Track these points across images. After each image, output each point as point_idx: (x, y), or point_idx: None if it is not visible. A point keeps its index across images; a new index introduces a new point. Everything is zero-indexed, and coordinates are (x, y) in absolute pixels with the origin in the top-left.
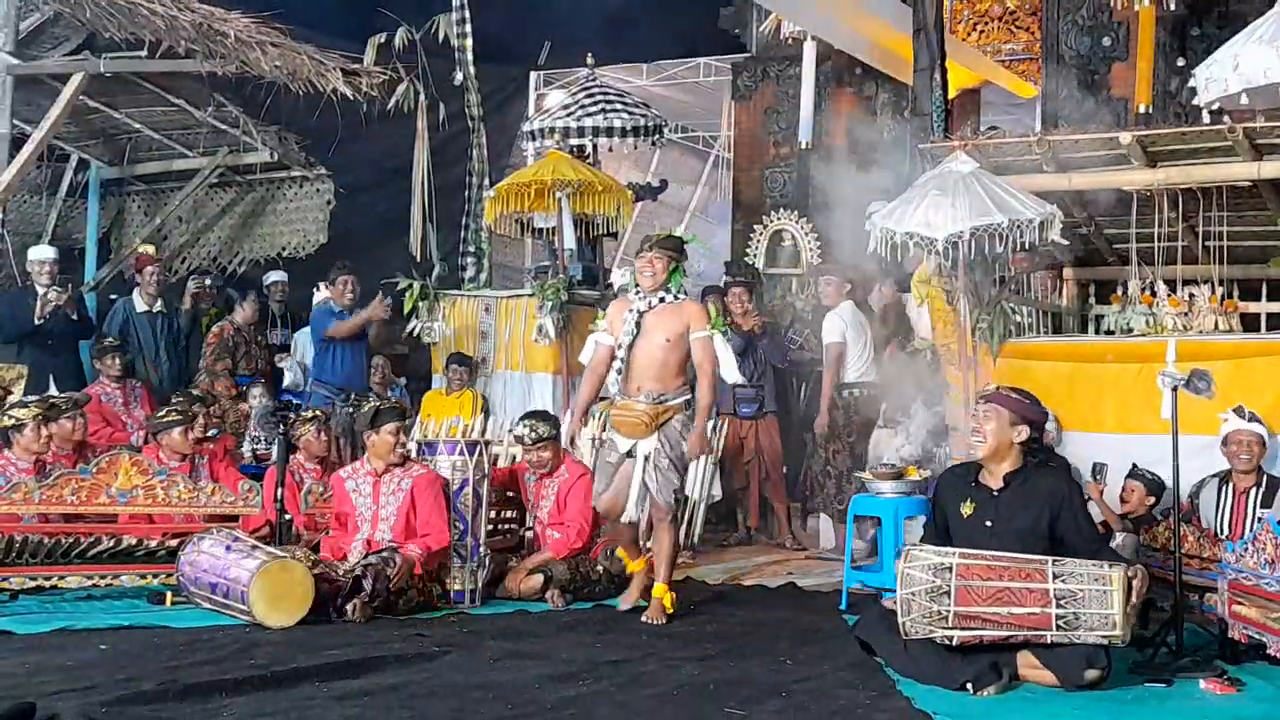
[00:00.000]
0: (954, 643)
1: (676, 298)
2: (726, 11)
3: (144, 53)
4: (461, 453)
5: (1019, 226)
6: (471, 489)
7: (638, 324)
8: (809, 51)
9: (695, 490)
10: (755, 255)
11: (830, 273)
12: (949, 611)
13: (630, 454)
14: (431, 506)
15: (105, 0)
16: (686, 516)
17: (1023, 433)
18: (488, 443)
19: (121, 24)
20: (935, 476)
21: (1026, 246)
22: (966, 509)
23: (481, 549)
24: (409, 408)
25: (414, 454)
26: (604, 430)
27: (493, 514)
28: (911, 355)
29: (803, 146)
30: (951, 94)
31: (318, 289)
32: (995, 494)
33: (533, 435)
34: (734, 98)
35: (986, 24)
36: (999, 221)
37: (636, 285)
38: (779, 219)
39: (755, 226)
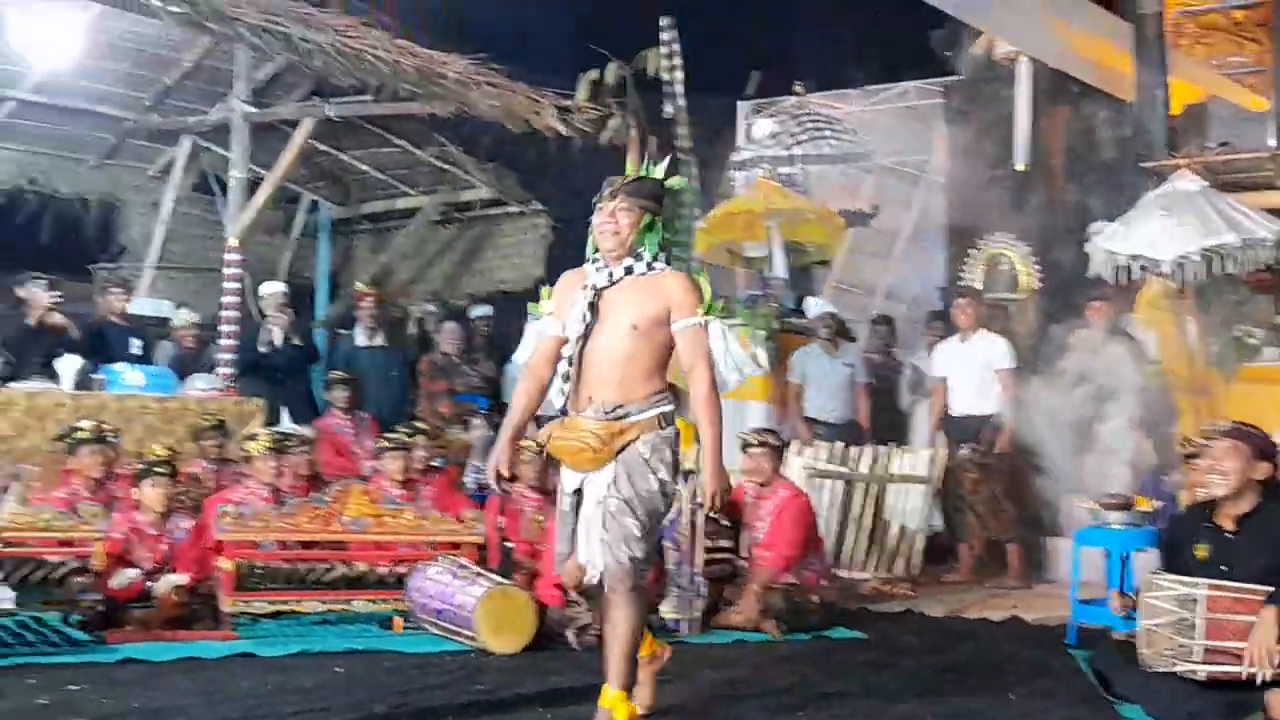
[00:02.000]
0: (1200, 678)
1: (651, 267)
2: (937, 34)
3: (369, 97)
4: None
5: (1253, 246)
6: (686, 518)
7: (593, 305)
8: (1023, 71)
9: (915, 520)
10: (971, 280)
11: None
12: (1195, 645)
13: (580, 494)
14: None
15: (333, 49)
16: (905, 547)
17: (1262, 469)
18: (700, 471)
19: (348, 70)
20: (1164, 509)
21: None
22: (1201, 552)
23: (698, 578)
24: None
25: None
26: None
27: (708, 543)
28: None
29: (1019, 168)
30: (1175, 110)
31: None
32: (1231, 535)
33: (757, 438)
34: (946, 120)
35: (1211, 36)
36: (1231, 241)
37: (595, 252)
38: (995, 243)
39: (970, 251)
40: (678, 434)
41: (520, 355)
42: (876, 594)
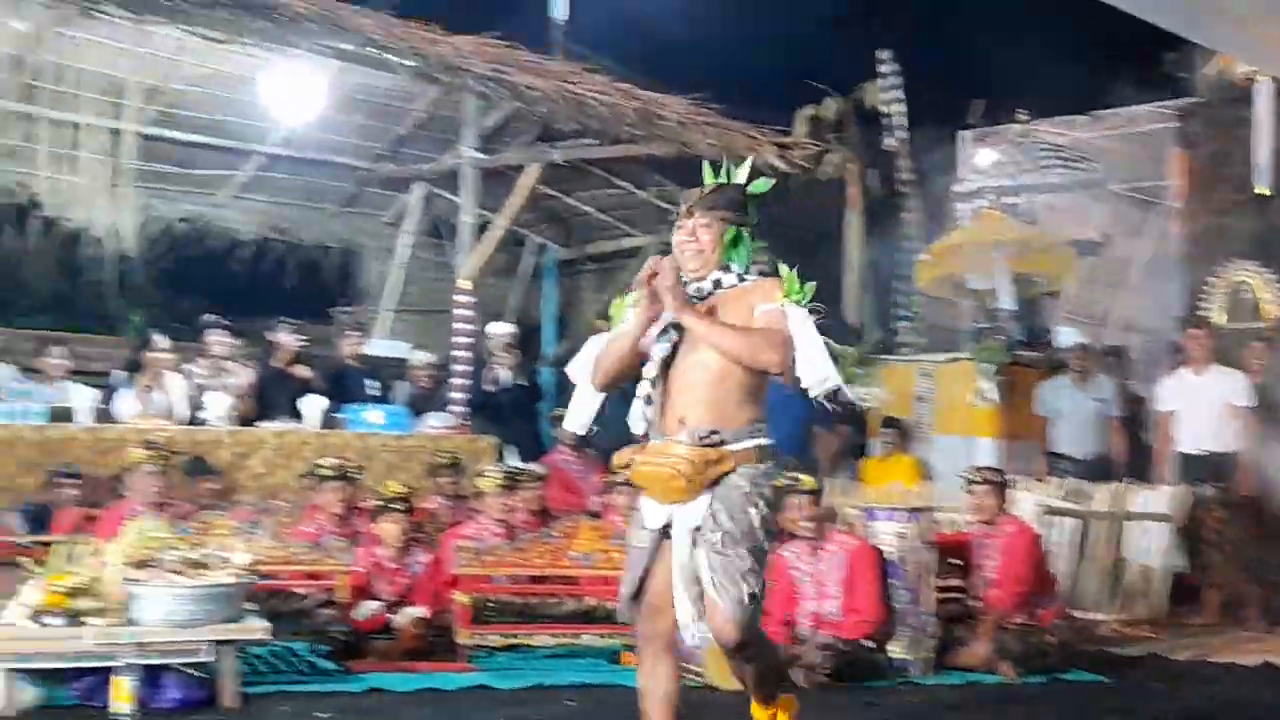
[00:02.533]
0: None
1: (743, 279)
2: (1170, 56)
3: (592, 140)
4: (903, 519)
5: None
6: (916, 556)
7: (677, 326)
8: (1263, 91)
9: (1157, 559)
10: (1210, 310)
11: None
12: None
13: (667, 531)
14: (864, 579)
15: (557, 95)
16: (1147, 587)
17: None
18: (930, 509)
19: (572, 115)
20: None
21: None
22: None
23: (928, 617)
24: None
25: (854, 520)
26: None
27: (939, 581)
28: None
29: (1260, 192)
30: None
31: None
32: None
33: (979, 475)
34: (1180, 144)
35: None
36: None
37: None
38: (1236, 270)
39: (1209, 280)
40: (777, 471)
41: (580, 366)
42: (1116, 636)
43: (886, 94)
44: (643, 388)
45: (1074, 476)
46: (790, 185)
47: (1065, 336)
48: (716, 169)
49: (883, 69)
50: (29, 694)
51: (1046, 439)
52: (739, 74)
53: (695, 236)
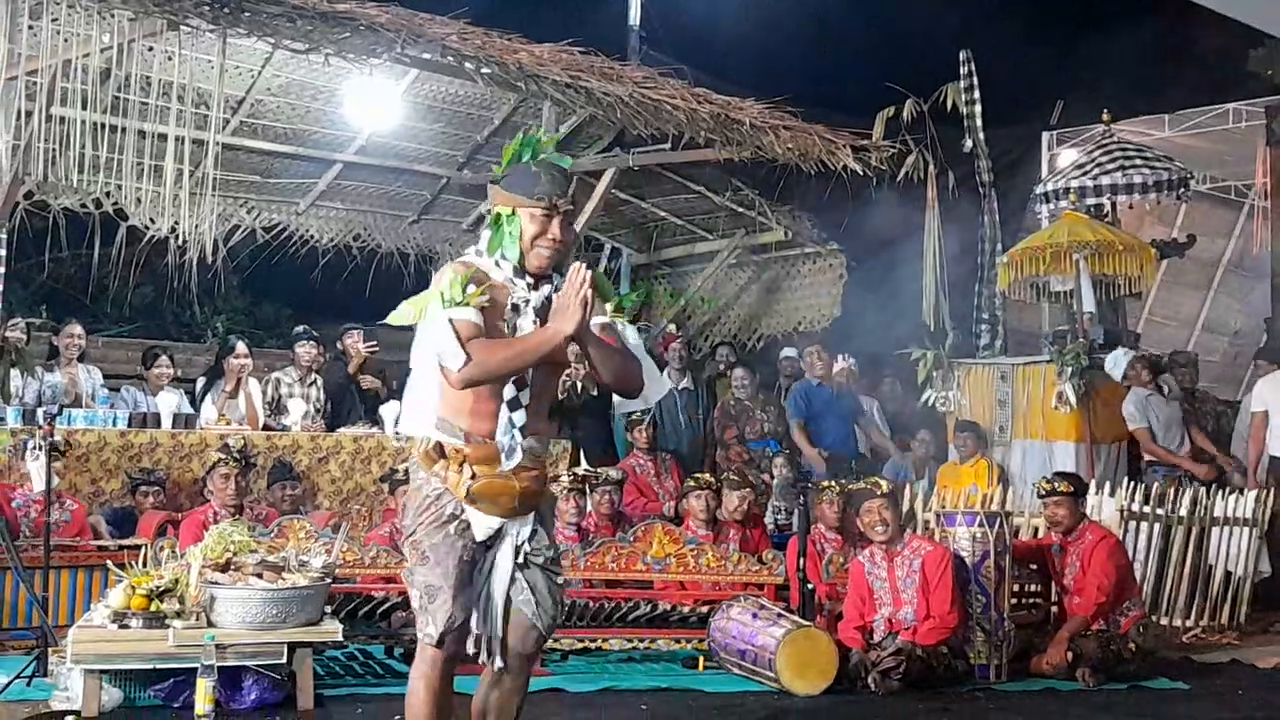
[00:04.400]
0: None
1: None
2: (1256, 53)
3: (667, 145)
4: (981, 524)
5: None
6: (993, 561)
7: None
8: None
9: (1241, 565)
10: None
11: None
12: None
13: (489, 544)
14: (939, 584)
15: (633, 101)
16: (1230, 593)
17: None
18: (1008, 514)
19: (648, 121)
20: None
21: None
22: None
23: (1005, 623)
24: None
25: (932, 524)
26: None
27: (1016, 587)
28: None
29: None
30: None
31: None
32: None
33: (1046, 486)
34: (1269, 142)
35: None
36: None
37: (516, 261)
38: None
39: None
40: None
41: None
42: (1199, 642)
43: (966, 95)
44: (510, 392)
45: (1163, 480)
46: (871, 189)
47: (1112, 361)
48: (532, 148)
49: (962, 70)
50: (112, 695)
51: (1141, 444)
52: (817, 77)
53: (560, 237)
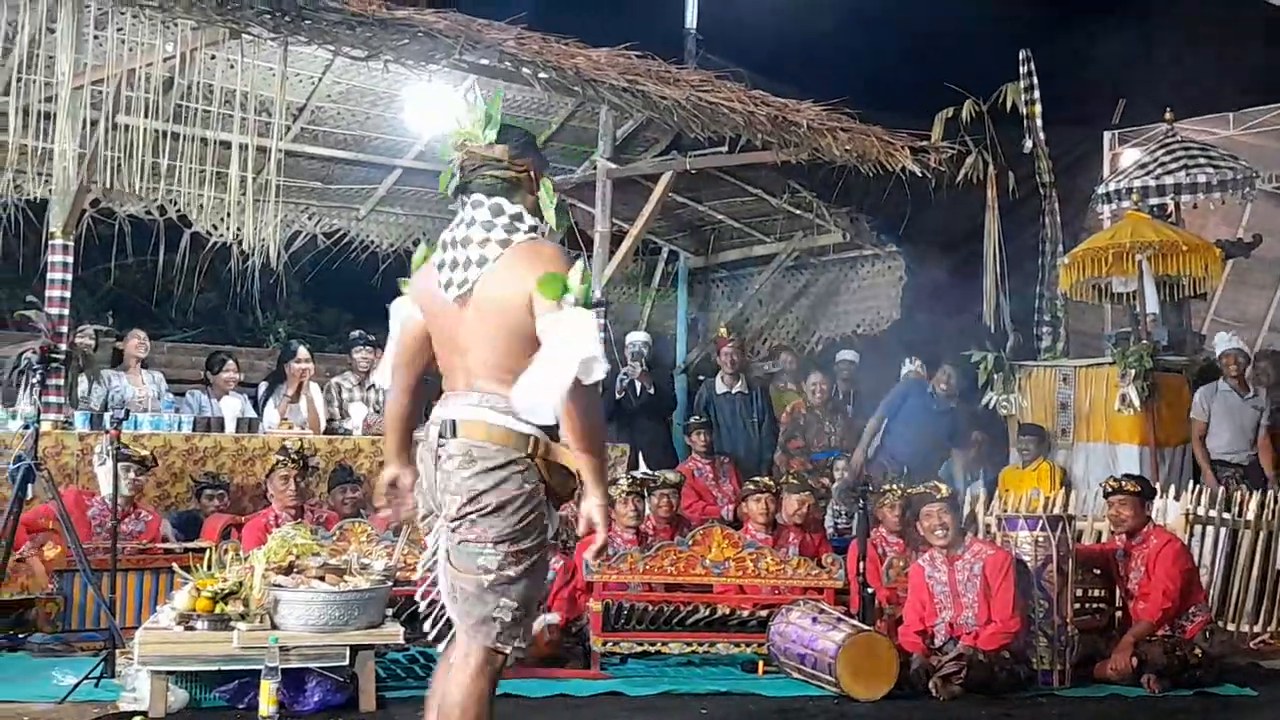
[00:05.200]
0: None
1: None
2: None
3: (724, 148)
4: (1043, 528)
5: None
6: (1055, 565)
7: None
8: None
9: None
10: None
11: None
12: None
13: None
14: (1001, 589)
15: (690, 104)
16: None
17: None
18: (1071, 517)
19: (705, 124)
20: None
21: None
22: None
23: (1069, 628)
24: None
25: (994, 528)
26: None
27: (1079, 592)
28: None
29: None
30: None
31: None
32: None
33: (1112, 485)
34: None
35: None
36: None
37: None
38: None
39: None
40: None
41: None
42: (1266, 649)
43: (1026, 95)
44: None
45: (1233, 483)
46: (930, 190)
47: (1222, 342)
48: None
49: (1022, 69)
50: (178, 696)
51: (1204, 445)
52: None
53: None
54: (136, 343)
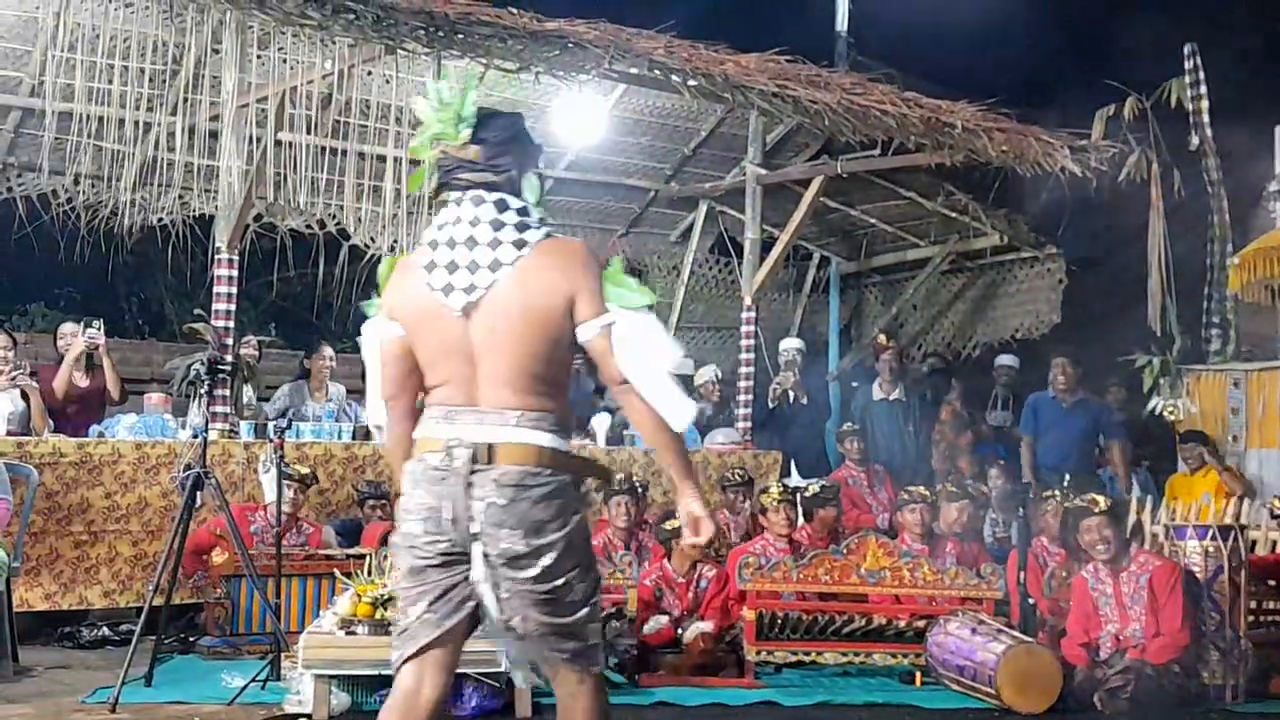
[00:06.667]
0: None
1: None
2: None
3: (877, 151)
4: (1213, 537)
5: None
6: (1227, 577)
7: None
8: None
9: None
10: None
11: None
12: None
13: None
14: (1169, 601)
15: (841, 108)
16: None
17: None
18: (1243, 526)
19: (856, 127)
20: None
21: None
22: None
23: (1242, 642)
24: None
25: (1161, 537)
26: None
27: (1253, 604)
28: None
29: None
30: None
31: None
32: None
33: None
34: None
35: None
36: None
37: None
38: None
39: None
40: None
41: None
42: None
43: (1191, 90)
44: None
45: None
46: (1091, 191)
47: None
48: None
49: (1187, 65)
50: (340, 700)
51: None
52: (1031, 77)
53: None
54: (324, 360)
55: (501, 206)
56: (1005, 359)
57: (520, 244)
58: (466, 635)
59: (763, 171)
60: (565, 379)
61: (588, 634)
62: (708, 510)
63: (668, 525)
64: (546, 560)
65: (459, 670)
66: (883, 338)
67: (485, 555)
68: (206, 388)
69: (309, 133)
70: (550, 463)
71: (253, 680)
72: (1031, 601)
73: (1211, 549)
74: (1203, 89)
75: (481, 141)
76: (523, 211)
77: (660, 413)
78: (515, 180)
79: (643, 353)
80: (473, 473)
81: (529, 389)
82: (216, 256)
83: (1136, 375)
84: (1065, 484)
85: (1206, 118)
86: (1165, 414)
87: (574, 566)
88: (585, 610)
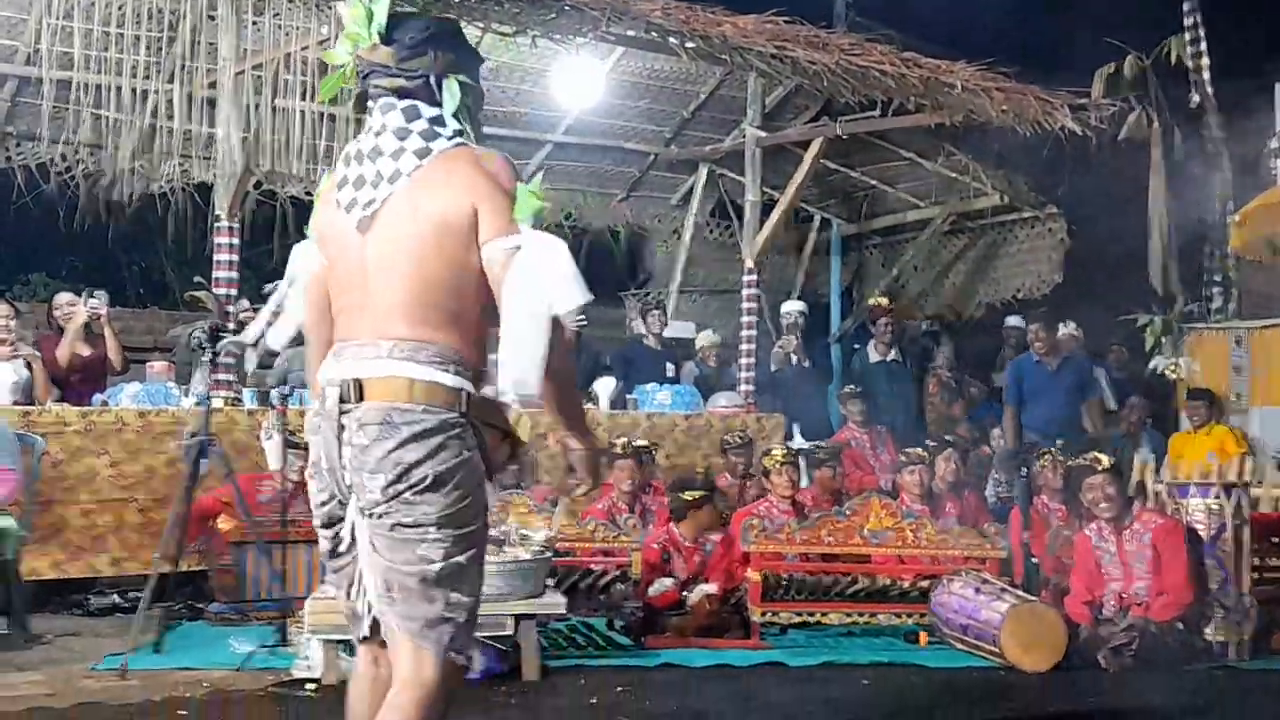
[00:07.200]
0: None
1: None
2: None
3: (876, 112)
4: (1216, 495)
5: None
6: (1231, 534)
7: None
8: None
9: None
10: None
11: None
12: None
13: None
14: (1170, 559)
15: (840, 68)
16: None
17: None
18: (1246, 484)
19: (855, 88)
20: None
21: None
22: None
23: (1245, 599)
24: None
25: (1164, 496)
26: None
27: (1256, 561)
28: None
29: None
30: None
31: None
32: None
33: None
34: None
35: None
36: None
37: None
38: None
39: None
40: None
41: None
42: None
43: (1191, 48)
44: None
45: None
46: (1091, 149)
47: None
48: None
49: (1187, 21)
50: (349, 664)
51: None
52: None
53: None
54: None
55: (411, 114)
56: (1013, 320)
57: (424, 153)
58: None
59: (762, 134)
60: (475, 311)
61: (448, 607)
62: (595, 469)
63: (686, 495)
64: (413, 508)
65: None
66: (882, 300)
67: (361, 510)
68: (209, 356)
69: (306, 99)
70: (424, 398)
71: (261, 647)
72: (1035, 560)
73: (1214, 507)
74: (1203, 46)
75: (393, 43)
76: (436, 120)
77: (518, 360)
78: (434, 87)
79: (531, 288)
80: (343, 414)
81: (418, 317)
82: (216, 224)
83: (1139, 334)
84: (1057, 444)
85: (1207, 75)
86: (1167, 373)
87: (444, 522)
88: (441, 566)
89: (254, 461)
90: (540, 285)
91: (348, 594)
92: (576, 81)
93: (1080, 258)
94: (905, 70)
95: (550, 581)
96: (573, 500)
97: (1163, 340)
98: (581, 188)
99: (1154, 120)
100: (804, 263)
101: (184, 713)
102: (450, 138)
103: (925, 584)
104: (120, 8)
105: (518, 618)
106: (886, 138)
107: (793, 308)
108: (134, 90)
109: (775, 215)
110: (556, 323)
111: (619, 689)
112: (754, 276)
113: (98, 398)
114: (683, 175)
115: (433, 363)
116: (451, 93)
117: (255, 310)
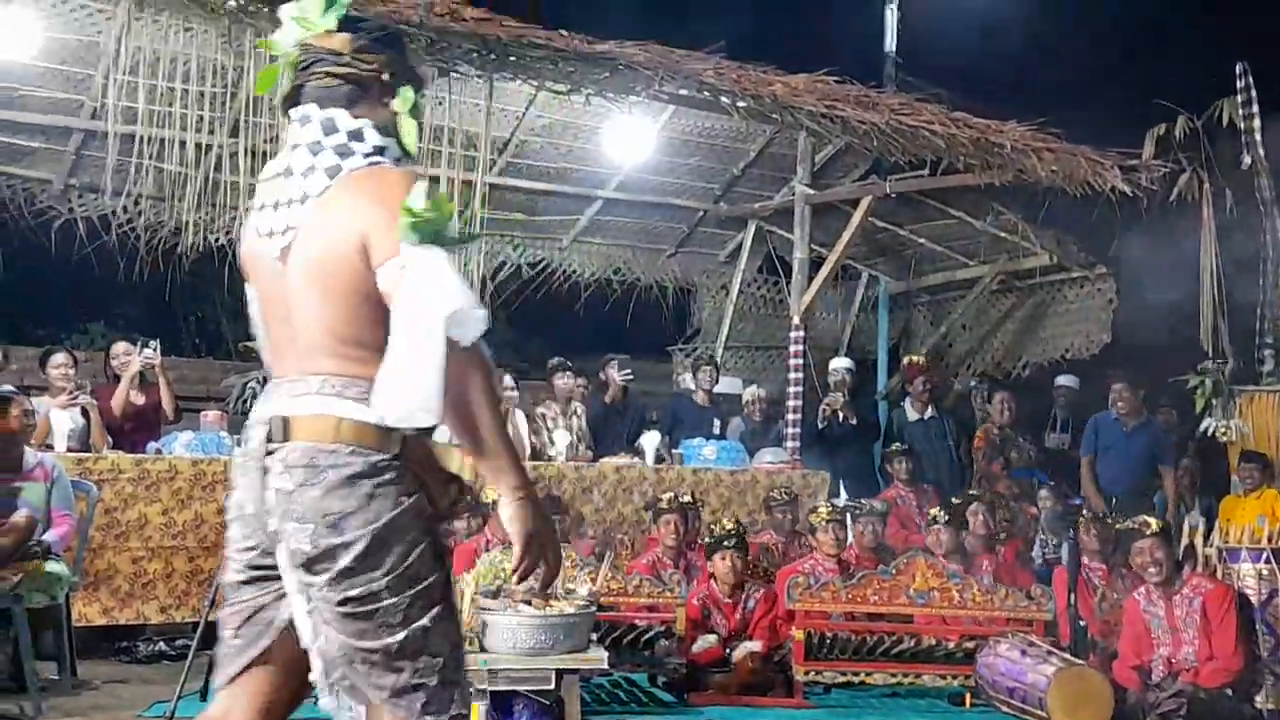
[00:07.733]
0: None
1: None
2: None
3: (925, 171)
4: (1268, 560)
5: None
6: None
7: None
8: None
9: None
10: None
11: None
12: None
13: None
14: (1222, 624)
15: (890, 128)
16: None
17: None
18: None
19: (905, 147)
20: None
21: None
22: None
23: None
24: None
25: (1214, 560)
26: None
27: None
28: None
29: None
30: None
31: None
32: None
33: None
34: None
35: None
36: None
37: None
38: None
39: None
40: None
41: None
42: None
43: (1243, 109)
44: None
45: None
46: (1141, 210)
47: None
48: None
49: (1239, 83)
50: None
51: None
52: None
53: None
54: None
55: (328, 127)
56: (1064, 380)
57: (334, 171)
58: (296, 657)
59: (811, 191)
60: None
61: (416, 674)
62: (529, 533)
63: (716, 528)
64: (344, 562)
65: (508, 687)
66: (917, 358)
67: (291, 561)
68: None
69: None
70: (353, 438)
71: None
72: (1082, 623)
73: (1265, 572)
74: (1255, 108)
75: (351, 30)
76: (355, 135)
77: (400, 391)
78: (384, 84)
79: (417, 304)
80: (268, 454)
81: (338, 352)
82: None
83: (1188, 396)
84: (1113, 505)
85: (1259, 136)
86: (1218, 435)
87: (388, 574)
88: (405, 634)
89: None
90: (426, 300)
91: (233, 633)
92: (628, 139)
93: (1129, 318)
94: (955, 130)
95: (594, 636)
96: (616, 553)
97: (1213, 402)
98: (631, 243)
99: (1205, 181)
100: (851, 320)
101: None
102: (367, 154)
103: (970, 645)
104: (185, 64)
105: (561, 672)
106: (935, 196)
107: (840, 365)
108: (196, 144)
109: (823, 272)
110: (473, 350)
111: None
112: (801, 333)
113: (151, 445)
114: (731, 231)
115: (363, 400)
116: (405, 100)
117: None
